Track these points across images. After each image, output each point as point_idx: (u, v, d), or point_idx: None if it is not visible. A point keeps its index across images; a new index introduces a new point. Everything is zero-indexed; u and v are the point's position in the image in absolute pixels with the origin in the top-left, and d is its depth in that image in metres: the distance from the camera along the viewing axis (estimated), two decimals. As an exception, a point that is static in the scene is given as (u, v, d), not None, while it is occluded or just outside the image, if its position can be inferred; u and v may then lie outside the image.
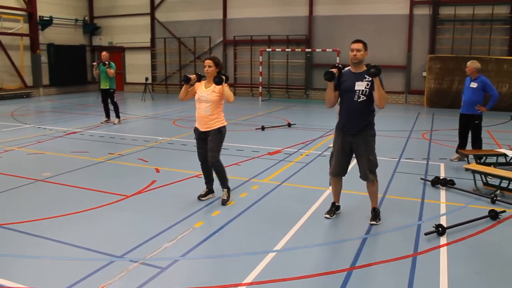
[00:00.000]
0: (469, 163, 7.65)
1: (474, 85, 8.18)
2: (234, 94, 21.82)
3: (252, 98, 21.44)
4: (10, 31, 20.65)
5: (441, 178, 6.85)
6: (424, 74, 18.22)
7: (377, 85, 4.93)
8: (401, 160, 8.58)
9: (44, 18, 22.02)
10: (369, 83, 5.04)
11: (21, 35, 21.21)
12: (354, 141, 5.22)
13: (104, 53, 12.68)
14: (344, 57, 18.96)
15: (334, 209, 5.58)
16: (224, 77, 5.70)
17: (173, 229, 5.09)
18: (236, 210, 5.77)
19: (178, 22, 23.11)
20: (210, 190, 6.24)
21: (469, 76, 8.34)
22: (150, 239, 4.82)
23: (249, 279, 3.98)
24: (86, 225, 5.26)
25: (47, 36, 22.46)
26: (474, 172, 6.69)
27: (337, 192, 5.65)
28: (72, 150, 9.37)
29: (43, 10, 21.99)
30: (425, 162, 8.45)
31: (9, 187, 6.70)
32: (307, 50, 20.02)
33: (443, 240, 4.81)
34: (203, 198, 6.12)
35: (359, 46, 5.10)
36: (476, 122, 8.27)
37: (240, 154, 9.01)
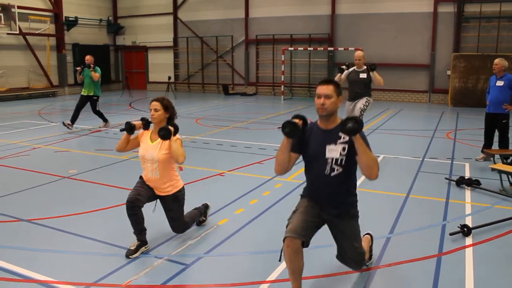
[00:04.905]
0: (495, 163, 7.53)
1: (500, 83, 8.04)
2: (257, 93, 22.36)
3: (274, 97, 21.44)
4: (37, 32, 21.11)
5: (466, 178, 6.75)
6: (449, 72, 17.94)
7: (360, 145, 3.20)
8: (425, 159, 8.47)
9: (70, 19, 22.43)
10: (346, 147, 3.34)
11: (48, 35, 21.65)
12: (331, 220, 3.57)
13: (88, 56, 11.74)
14: (366, 56, 18.76)
15: None
16: (172, 129, 4.34)
17: (197, 227, 5.16)
18: (259, 208, 5.80)
19: (200, 21, 23.26)
20: (143, 242, 4.49)
21: (494, 74, 8.22)
22: (175, 236, 4.88)
23: (273, 276, 4.00)
24: (112, 222, 5.36)
25: (72, 36, 22.87)
26: (500, 172, 6.58)
27: (296, 271, 3.37)
28: (96, 148, 9.56)
29: (68, 10, 22.43)
30: (450, 161, 8.33)
31: (37, 183, 6.88)
32: (329, 48, 19.91)
33: (468, 240, 4.75)
34: (132, 256, 4.33)
35: (328, 90, 3.41)
36: (504, 121, 8.14)
37: (263, 152, 9.03)
